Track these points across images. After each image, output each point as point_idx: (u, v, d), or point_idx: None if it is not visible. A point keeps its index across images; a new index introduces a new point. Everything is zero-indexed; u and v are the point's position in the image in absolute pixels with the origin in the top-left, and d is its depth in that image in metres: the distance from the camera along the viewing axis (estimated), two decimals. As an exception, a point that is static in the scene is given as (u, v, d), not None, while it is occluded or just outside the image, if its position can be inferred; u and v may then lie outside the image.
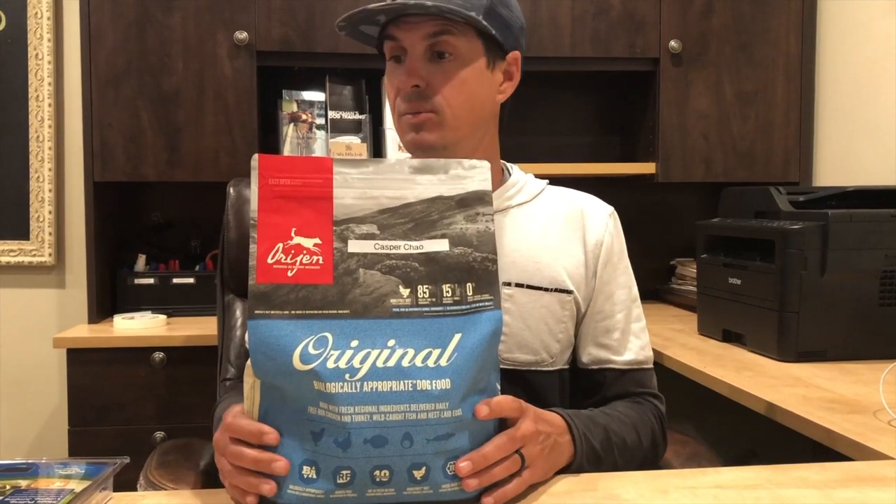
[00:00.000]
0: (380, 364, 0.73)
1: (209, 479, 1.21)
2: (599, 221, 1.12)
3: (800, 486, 0.84)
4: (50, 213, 2.44)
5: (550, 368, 1.10)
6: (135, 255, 2.32)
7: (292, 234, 0.77)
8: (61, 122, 2.46)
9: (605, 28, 2.31)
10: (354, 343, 0.73)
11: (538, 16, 2.27)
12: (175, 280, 2.27)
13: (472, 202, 0.81)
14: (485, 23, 1.01)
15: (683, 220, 2.59)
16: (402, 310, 0.76)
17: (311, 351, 0.73)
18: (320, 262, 0.76)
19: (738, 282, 1.75)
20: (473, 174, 0.82)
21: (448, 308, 0.77)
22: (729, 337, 1.81)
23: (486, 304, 0.79)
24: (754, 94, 2.36)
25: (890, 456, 1.03)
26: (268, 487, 0.74)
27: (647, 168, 2.36)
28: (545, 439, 0.86)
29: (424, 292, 0.77)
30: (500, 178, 1.14)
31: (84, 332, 2.10)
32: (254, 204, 0.77)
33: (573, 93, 2.63)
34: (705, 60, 2.35)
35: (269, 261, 0.75)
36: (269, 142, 2.37)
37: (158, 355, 2.02)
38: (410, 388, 0.73)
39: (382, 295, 0.76)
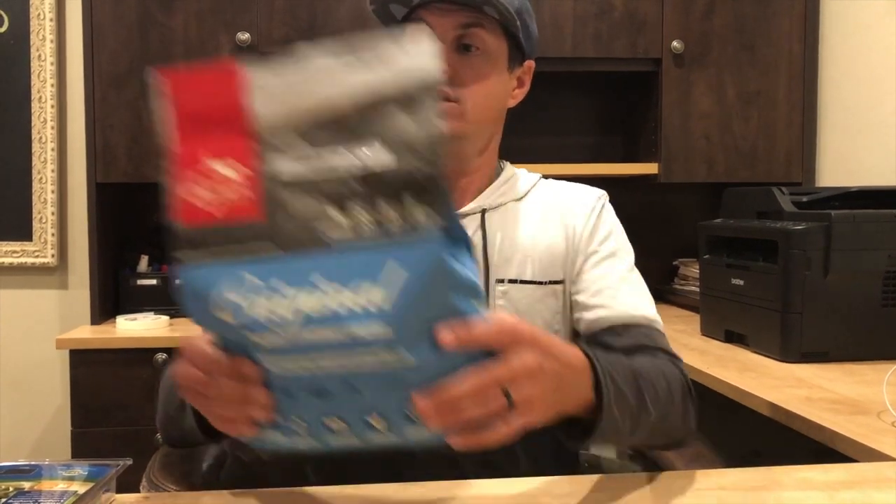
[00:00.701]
0: (310, 310, 0.62)
1: (213, 480, 1.21)
2: (585, 206, 1.10)
3: (803, 487, 0.84)
4: (52, 214, 2.44)
5: None
6: (137, 256, 2.32)
7: (214, 165, 0.65)
8: (64, 123, 2.47)
9: (607, 28, 2.30)
10: (282, 286, 0.62)
11: (540, 16, 2.27)
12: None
13: (417, 94, 0.62)
14: (515, 24, 1.01)
15: (686, 221, 2.59)
16: (337, 240, 0.62)
17: (237, 300, 0.63)
18: (249, 194, 0.63)
19: (741, 282, 1.74)
20: (414, 53, 0.63)
21: (391, 235, 0.61)
22: (731, 338, 1.80)
23: (434, 229, 0.61)
24: (757, 94, 2.36)
25: (893, 457, 1.02)
26: (263, 414, 0.68)
27: (650, 168, 2.36)
28: (550, 378, 0.68)
29: (362, 217, 0.62)
30: (493, 176, 1.13)
31: (87, 333, 2.10)
32: (167, 132, 0.67)
33: (575, 93, 2.62)
34: (707, 61, 2.34)
35: (192, 199, 0.65)
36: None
37: (161, 356, 2.02)
38: (346, 338, 0.62)
39: (312, 224, 0.62)
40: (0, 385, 2.48)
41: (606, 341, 1.01)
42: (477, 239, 1.06)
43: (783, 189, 1.74)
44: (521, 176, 1.14)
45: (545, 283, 1.06)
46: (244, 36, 2.17)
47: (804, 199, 1.72)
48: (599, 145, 2.64)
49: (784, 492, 0.83)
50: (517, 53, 1.06)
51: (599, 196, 1.12)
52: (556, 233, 1.08)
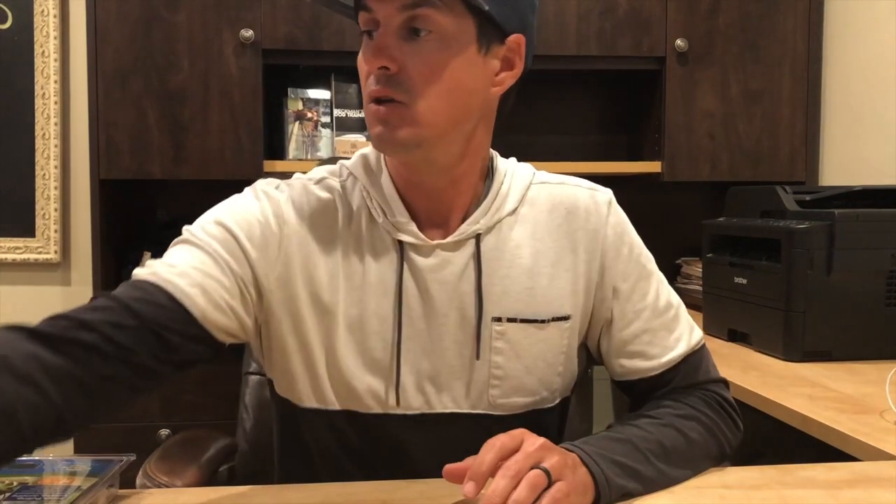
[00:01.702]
0: None
1: (209, 473, 1.21)
2: (594, 216, 0.95)
3: (806, 486, 0.84)
4: (56, 210, 2.44)
5: (551, 405, 0.96)
6: (140, 252, 2.32)
7: None
8: (67, 119, 2.47)
9: (611, 27, 2.30)
10: None
11: (544, 14, 2.27)
12: (180, 278, 2.27)
13: None
14: None
15: (689, 220, 2.59)
16: None
17: None
18: None
19: (744, 281, 1.74)
20: None
21: None
22: (735, 336, 1.80)
23: None
24: (760, 93, 2.36)
25: (896, 456, 1.02)
26: None
27: (653, 167, 2.35)
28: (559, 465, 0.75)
29: None
30: (481, 186, 0.94)
31: (89, 329, 2.10)
32: None
33: (579, 91, 2.62)
34: (711, 59, 2.34)
35: None
36: (275, 140, 2.37)
37: (164, 353, 2.02)
38: None
39: None
40: (3, 381, 2.49)
41: (643, 390, 0.97)
42: (470, 272, 0.90)
43: (787, 188, 1.73)
44: (513, 180, 0.96)
45: (548, 320, 0.92)
46: (248, 33, 2.16)
47: (807, 197, 1.72)
48: (603, 144, 2.64)
49: (787, 490, 0.83)
50: (492, 30, 0.85)
51: (608, 201, 0.97)
52: (561, 256, 0.94)
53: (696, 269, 2.38)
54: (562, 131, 2.61)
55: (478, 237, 0.91)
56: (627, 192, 2.28)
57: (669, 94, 2.33)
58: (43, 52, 2.42)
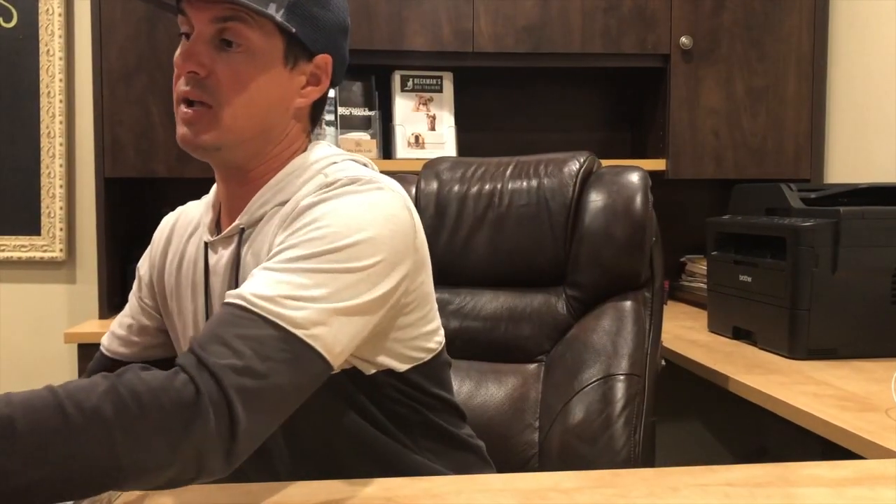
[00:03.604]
0: None
1: None
2: (304, 191, 0.92)
3: (811, 484, 0.84)
4: (61, 208, 2.45)
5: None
6: (145, 250, 2.32)
7: None
8: (72, 118, 2.47)
9: (615, 24, 2.30)
10: None
11: (548, 12, 2.27)
12: (185, 276, 2.27)
13: None
14: (280, 19, 0.88)
15: (694, 217, 2.58)
16: None
17: None
18: None
19: (749, 279, 1.74)
20: None
21: None
22: (739, 334, 1.80)
23: None
24: (765, 90, 2.35)
25: (902, 454, 1.02)
26: None
27: (658, 164, 2.35)
28: None
29: None
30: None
31: (95, 327, 2.11)
32: None
33: (583, 89, 2.62)
34: (716, 56, 2.33)
35: None
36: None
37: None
38: None
39: None
40: (9, 379, 2.49)
41: None
42: (231, 265, 0.94)
43: (792, 185, 1.73)
44: (289, 177, 0.95)
45: None
46: None
47: (813, 195, 1.71)
48: (607, 141, 2.63)
49: (792, 488, 0.83)
50: (299, 49, 0.92)
51: (333, 181, 0.90)
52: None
53: (700, 266, 2.38)
54: (566, 128, 2.61)
55: (241, 231, 0.95)
56: (632, 189, 2.29)
57: (674, 92, 2.33)
58: (48, 50, 2.42)
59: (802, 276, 1.57)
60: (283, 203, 0.93)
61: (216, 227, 1.00)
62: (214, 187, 1.03)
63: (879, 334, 1.58)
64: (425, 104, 2.37)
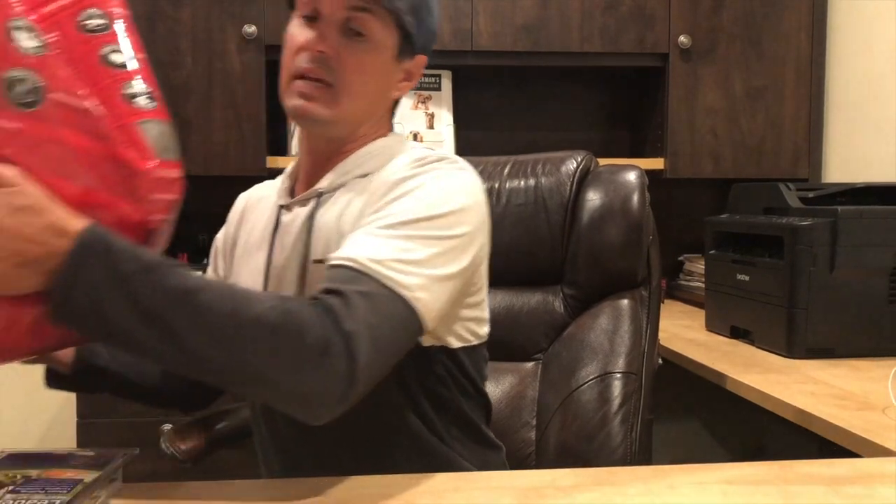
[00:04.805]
0: None
1: (217, 440, 1.27)
2: (396, 166, 0.98)
3: (808, 482, 0.84)
4: (59, 205, 2.44)
5: None
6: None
7: None
8: (71, 115, 2.47)
9: (614, 23, 2.30)
10: None
11: (547, 10, 2.27)
12: (183, 273, 2.27)
13: None
14: (408, 17, 0.97)
15: (692, 216, 2.58)
16: None
17: None
18: None
19: (747, 278, 1.74)
20: None
21: None
22: (737, 333, 1.80)
23: None
24: (764, 89, 2.35)
25: (898, 453, 1.02)
26: None
27: (656, 164, 2.35)
28: (6, 241, 0.70)
29: None
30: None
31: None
32: None
33: (582, 88, 2.62)
34: (715, 56, 2.34)
35: None
36: (278, 135, 2.37)
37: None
38: None
39: None
40: (7, 375, 2.49)
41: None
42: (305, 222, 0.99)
43: (790, 185, 1.73)
44: (370, 156, 1.02)
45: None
46: (250, 29, 2.17)
47: (811, 194, 1.72)
48: (606, 140, 2.63)
49: (789, 486, 0.83)
50: (408, 46, 1.01)
51: (417, 158, 0.97)
52: (364, 207, 0.96)
53: (698, 265, 2.38)
54: (565, 128, 2.61)
55: (318, 195, 1.00)
56: (630, 188, 2.29)
57: (672, 91, 2.33)
58: (46, 47, 2.42)
59: (800, 276, 1.57)
60: (363, 175, 1.00)
61: (289, 194, 1.07)
62: (293, 163, 1.09)
63: (877, 333, 1.58)
64: (424, 102, 2.37)
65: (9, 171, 0.71)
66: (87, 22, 0.78)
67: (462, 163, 0.99)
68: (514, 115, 2.56)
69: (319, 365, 0.75)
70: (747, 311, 1.75)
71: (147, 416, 2.04)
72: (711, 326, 1.91)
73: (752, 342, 1.73)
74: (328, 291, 0.81)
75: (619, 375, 1.21)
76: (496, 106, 2.55)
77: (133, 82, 0.80)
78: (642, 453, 1.18)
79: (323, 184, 1.01)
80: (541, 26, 2.26)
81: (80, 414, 2.03)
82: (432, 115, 2.36)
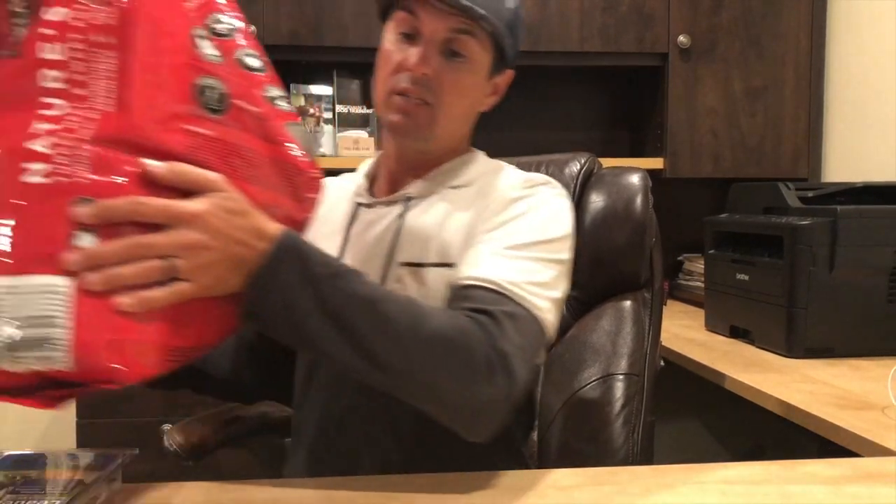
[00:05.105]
0: None
1: (224, 433, 1.29)
2: (504, 184, 1.01)
3: (808, 482, 0.84)
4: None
5: None
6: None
7: None
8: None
9: (613, 23, 2.30)
10: None
11: (547, 10, 2.27)
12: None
13: None
14: (506, 37, 0.99)
15: (691, 216, 2.58)
16: None
17: None
18: None
19: (746, 278, 1.74)
20: None
21: None
22: (736, 333, 1.80)
23: None
24: (763, 89, 2.35)
25: (898, 452, 1.02)
26: None
27: (656, 163, 2.35)
28: (216, 254, 0.72)
29: None
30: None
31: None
32: None
33: (581, 87, 2.62)
34: (714, 55, 2.34)
35: None
36: (277, 136, 2.37)
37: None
38: None
39: None
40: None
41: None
42: (393, 224, 1.02)
43: (789, 184, 1.73)
44: (463, 167, 1.06)
45: (438, 264, 0.97)
46: (250, 28, 2.16)
47: (810, 194, 1.72)
48: (605, 140, 2.63)
49: (788, 486, 0.83)
50: (500, 63, 1.03)
51: (526, 179, 1.01)
52: (463, 216, 0.99)
53: (698, 265, 2.38)
54: (564, 127, 2.61)
55: (407, 200, 1.03)
56: (630, 188, 2.29)
57: (672, 91, 2.33)
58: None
59: (800, 275, 1.57)
60: (455, 187, 1.03)
61: (368, 192, 1.09)
62: (370, 162, 1.13)
63: (876, 333, 1.58)
64: (423, 102, 2.36)
65: (216, 177, 0.73)
66: (216, 26, 0.79)
67: (560, 186, 1.03)
68: (513, 114, 2.55)
69: (488, 381, 0.79)
70: (747, 310, 1.75)
71: (147, 417, 2.04)
72: (711, 326, 1.91)
73: (751, 342, 1.73)
74: (477, 311, 0.83)
75: (621, 377, 1.21)
76: (495, 105, 2.55)
77: (270, 86, 0.81)
78: (644, 455, 1.18)
79: (412, 190, 1.03)
80: (540, 26, 2.26)
81: (80, 414, 2.03)
82: (432, 115, 2.36)
